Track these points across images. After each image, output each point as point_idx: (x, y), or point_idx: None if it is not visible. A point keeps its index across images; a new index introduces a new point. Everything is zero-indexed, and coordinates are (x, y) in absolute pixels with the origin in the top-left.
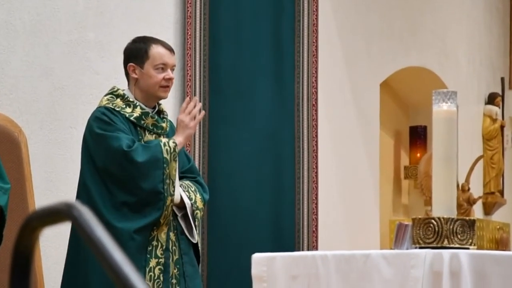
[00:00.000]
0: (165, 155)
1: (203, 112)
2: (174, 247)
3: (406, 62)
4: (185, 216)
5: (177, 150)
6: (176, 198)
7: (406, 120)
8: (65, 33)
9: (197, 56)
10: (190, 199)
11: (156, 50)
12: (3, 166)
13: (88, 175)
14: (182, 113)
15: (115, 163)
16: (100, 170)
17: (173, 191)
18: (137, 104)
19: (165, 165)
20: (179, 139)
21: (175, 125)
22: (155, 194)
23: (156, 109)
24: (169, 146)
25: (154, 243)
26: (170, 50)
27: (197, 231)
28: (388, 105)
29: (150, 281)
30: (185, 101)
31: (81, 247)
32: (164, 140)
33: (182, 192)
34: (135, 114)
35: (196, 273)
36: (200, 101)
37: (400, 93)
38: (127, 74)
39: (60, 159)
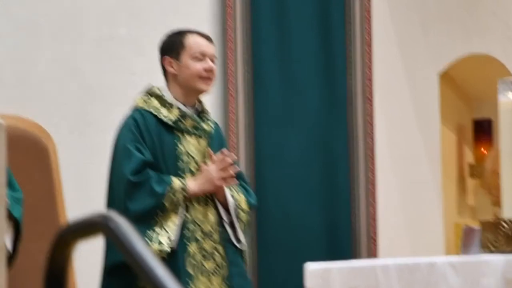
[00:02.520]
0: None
1: (235, 181)
2: (222, 261)
3: (467, 49)
4: (231, 223)
5: (182, 203)
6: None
7: (469, 113)
8: (95, 29)
9: (239, 49)
10: (234, 199)
11: (192, 39)
12: (12, 173)
13: (114, 181)
14: (213, 163)
15: (120, 184)
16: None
17: (167, 242)
18: (175, 104)
19: (160, 213)
20: (195, 189)
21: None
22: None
23: (198, 109)
24: (176, 197)
25: (191, 226)
26: (208, 39)
27: (244, 236)
28: (449, 97)
29: (191, 268)
30: (222, 152)
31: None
32: (175, 186)
33: (226, 190)
34: (172, 116)
35: (248, 285)
36: (243, 99)
37: (461, 84)
38: (164, 71)
39: (92, 166)
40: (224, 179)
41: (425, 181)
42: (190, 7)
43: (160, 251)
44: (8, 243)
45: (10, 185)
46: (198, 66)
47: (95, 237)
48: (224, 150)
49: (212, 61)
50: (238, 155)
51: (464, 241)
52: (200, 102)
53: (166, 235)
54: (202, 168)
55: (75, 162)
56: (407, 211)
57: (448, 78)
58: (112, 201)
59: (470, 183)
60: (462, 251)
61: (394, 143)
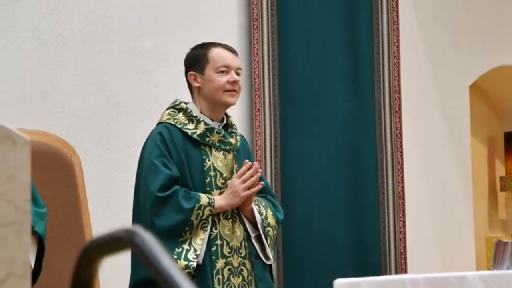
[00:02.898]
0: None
1: (259, 187)
2: (250, 277)
3: (498, 61)
4: (259, 238)
5: (209, 219)
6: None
7: (500, 126)
8: (119, 42)
9: (265, 62)
10: (261, 214)
11: (216, 52)
12: (37, 189)
13: (140, 197)
14: (237, 177)
15: (146, 200)
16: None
17: (194, 257)
18: (201, 119)
19: (187, 229)
20: (221, 203)
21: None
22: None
23: (224, 122)
24: (203, 213)
25: (218, 242)
26: (232, 51)
27: (272, 252)
28: (479, 109)
29: (219, 285)
30: (245, 165)
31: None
32: (203, 201)
33: (253, 205)
34: (199, 131)
35: None
36: (270, 112)
37: (492, 96)
38: (190, 86)
39: (118, 182)
40: (248, 188)
41: (455, 195)
42: (215, 20)
43: (187, 266)
44: (31, 259)
45: (35, 200)
46: (222, 79)
47: (121, 253)
48: (246, 161)
49: (237, 73)
50: (265, 169)
51: (495, 255)
52: (227, 116)
53: (193, 251)
54: (228, 183)
55: (101, 178)
56: (437, 226)
57: (478, 90)
58: (139, 217)
59: (501, 196)
60: (493, 265)
61: (424, 157)
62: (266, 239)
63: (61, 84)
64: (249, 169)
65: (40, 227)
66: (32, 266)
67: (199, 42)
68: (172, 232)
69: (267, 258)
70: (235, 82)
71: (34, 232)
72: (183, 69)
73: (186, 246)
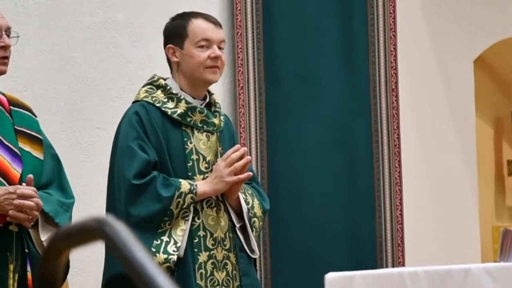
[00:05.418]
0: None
1: (248, 174)
2: (234, 271)
3: (505, 33)
4: (243, 228)
5: (191, 208)
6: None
7: (508, 104)
8: (88, 14)
9: (249, 35)
10: (247, 203)
11: (196, 25)
12: (66, 176)
13: (115, 184)
14: (222, 160)
15: (121, 188)
16: None
17: (174, 250)
18: (182, 97)
19: (166, 219)
20: (205, 188)
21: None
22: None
23: (207, 100)
24: (184, 201)
25: (201, 233)
26: (215, 23)
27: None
28: (484, 86)
29: (202, 280)
30: (233, 148)
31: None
32: (183, 188)
33: (239, 193)
34: (179, 110)
35: None
36: (254, 91)
37: (499, 71)
38: (168, 60)
39: (87, 168)
40: (235, 173)
41: (458, 180)
42: None
43: (166, 260)
44: None
45: (62, 189)
46: (202, 55)
47: (90, 244)
48: (238, 146)
49: (220, 47)
50: (250, 153)
51: (502, 246)
52: (210, 93)
53: (173, 243)
54: (214, 167)
55: (68, 163)
56: (438, 214)
57: (483, 66)
58: (114, 207)
59: (509, 182)
60: (500, 256)
61: (423, 139)
62: (252, 231)
63: (23, 61)
64: (235, 152)
65: (63, 219)
66: None
67: (176, 14)
68: (149, 222)
69: (252, 251)
70: (217, 58)
71: (55, 224)
72: (158, 43)
73: (165, 238)
